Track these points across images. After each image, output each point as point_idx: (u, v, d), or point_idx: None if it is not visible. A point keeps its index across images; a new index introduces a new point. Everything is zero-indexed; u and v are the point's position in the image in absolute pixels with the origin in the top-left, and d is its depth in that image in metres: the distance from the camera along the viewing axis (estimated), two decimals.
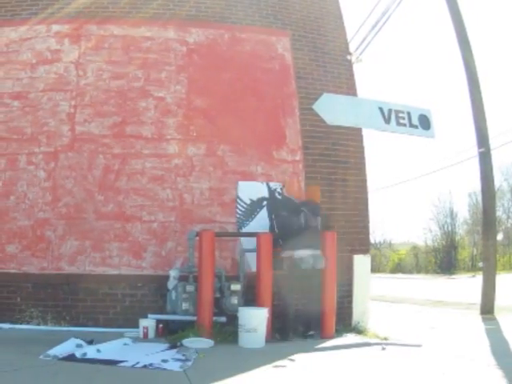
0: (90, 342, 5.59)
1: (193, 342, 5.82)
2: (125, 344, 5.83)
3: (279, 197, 7.44)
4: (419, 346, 6.08)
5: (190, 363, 4.86)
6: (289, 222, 6.97)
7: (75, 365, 4.75)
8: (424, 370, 4.75)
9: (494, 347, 5.82)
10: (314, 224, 6.93)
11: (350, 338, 6.71)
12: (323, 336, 6.65)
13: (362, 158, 7.91)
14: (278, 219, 7.28)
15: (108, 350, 5.37)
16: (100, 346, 5.41)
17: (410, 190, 63.26)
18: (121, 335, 6.41)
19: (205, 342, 5.87)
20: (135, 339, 6.15)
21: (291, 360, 5.18)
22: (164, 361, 4.94)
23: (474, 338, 6.62)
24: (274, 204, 7.44)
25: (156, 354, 5.30)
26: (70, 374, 4.42)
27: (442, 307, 11.01)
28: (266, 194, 7.43)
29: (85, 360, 4.89)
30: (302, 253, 6.66)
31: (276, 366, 4.90)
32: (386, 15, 7.70)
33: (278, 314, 6.59)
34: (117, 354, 5.15)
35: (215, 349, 5.73)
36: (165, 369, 4.68)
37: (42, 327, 6.79)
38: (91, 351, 5.19)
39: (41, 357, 4.89)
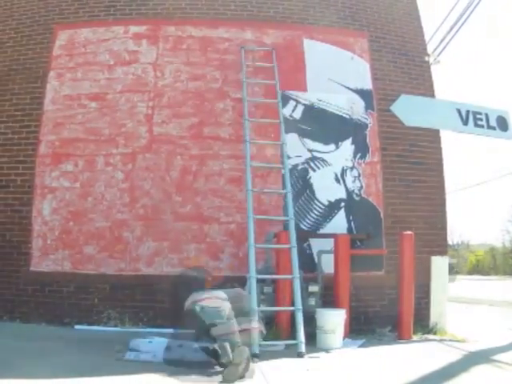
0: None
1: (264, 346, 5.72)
2: None
3: (357, 198, 7.40)
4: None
5: None
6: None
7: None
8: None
9: None
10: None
11: (427, 340, 6.62)
12: (401, 337, 6.58)
13: (440, 159, 7.85)
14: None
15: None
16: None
17: (489, 192, 62.71)
18: None
19: (275, 345, 5.80)
20: None
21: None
22: None
23: None
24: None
25: None
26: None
27: None
28: (343, 195, 7.38)
29: None
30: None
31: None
32: (465, 15, 7.63)
33: (355, 315, 6.52)
34: None
35: (291, 351, 5.62)
36: None
37: (120, 328, 6.73)
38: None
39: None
